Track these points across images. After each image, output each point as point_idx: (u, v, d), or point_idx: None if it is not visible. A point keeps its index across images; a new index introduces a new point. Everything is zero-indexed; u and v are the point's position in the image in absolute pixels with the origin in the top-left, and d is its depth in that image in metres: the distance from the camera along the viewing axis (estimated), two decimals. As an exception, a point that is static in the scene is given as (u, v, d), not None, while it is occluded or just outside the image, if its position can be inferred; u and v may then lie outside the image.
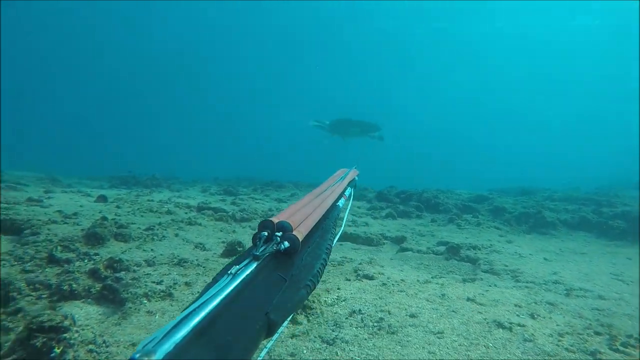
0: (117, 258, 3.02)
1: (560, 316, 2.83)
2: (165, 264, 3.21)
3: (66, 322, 2.04)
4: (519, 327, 2.54)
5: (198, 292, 2.75)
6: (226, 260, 3.48)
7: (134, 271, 2.92)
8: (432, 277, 3.63)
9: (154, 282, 2.75)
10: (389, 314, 2.62)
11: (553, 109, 52.03)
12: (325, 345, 2.18)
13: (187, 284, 2.85)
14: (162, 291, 2.60)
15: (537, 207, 7.80)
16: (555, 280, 3.78)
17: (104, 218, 4.10)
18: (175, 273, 3.01)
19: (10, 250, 3.36)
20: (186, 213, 5.81)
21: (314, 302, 2.66)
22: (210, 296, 0.79)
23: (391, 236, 5.71)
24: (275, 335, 1.07)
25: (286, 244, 1.17)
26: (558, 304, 3.07)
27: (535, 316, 2.77)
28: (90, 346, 1.94)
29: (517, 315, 2.77)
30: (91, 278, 2.89)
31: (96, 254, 3.39)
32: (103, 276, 2.87)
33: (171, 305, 2.51)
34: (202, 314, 0.72)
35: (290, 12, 39.76)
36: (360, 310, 2.64)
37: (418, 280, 3.44)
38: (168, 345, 0.59)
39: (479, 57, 46.58)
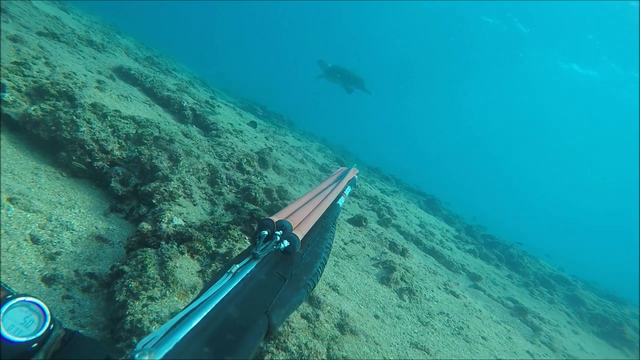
0: (285, 189, 4.07)
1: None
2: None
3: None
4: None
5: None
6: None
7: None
8: (500, 321, 4.16)
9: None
10: (468, 327, 3.31)
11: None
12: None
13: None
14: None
15: (621, 318, 7.48)
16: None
17: (270, 149, 5.27)
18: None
19: (212, 145, 4.59)
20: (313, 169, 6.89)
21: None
22: (210, 295, 0.79)
23: (469, 271, 6.16)
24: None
25: (286, 243, 1.17)
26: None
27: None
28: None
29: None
30: (265, 194, 3.96)
31: (265, 177, 4.51)
32: (273, 197, 3.95)
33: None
34: (203, 313, 0.72)
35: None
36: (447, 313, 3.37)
37: (491, 317, 4.01)
38: (168, 345, 0.58)
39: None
